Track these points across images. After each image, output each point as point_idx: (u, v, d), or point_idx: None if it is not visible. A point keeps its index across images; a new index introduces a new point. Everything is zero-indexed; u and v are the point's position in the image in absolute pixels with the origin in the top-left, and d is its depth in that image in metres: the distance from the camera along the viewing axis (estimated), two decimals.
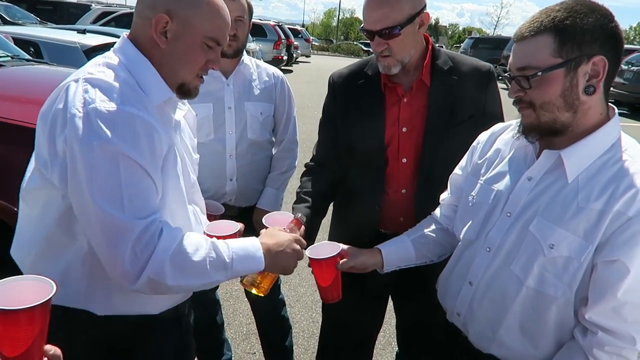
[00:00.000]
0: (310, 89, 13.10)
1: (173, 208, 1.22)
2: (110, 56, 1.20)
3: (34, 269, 1.16)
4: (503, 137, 1.36)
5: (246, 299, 2.56)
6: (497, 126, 1.43)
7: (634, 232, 1.05)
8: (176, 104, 1.30)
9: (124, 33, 1.26)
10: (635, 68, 12.61)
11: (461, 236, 1.36)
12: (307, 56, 27.57)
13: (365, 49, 44.89)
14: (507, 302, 1.21)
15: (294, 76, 16.35)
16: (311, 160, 1.90)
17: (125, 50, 1.20)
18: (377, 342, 2.06)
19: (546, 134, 1.17)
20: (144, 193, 1.08)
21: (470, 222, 1.33)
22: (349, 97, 1.76)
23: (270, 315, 2.44)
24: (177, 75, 1.22)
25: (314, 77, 16.51)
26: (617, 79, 12.88)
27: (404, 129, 1.68)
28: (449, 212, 1.52)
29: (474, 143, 1.46)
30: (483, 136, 1.44)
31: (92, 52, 4.93)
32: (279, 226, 1.43)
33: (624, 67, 12.92)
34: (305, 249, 1.38)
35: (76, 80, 1.11)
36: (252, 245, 1.22)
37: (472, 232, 1.32)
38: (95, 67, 1.15)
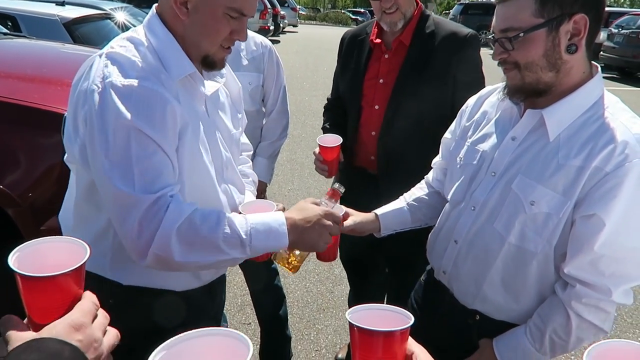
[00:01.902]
0: (299, 60, 12.93)
1: (198, 185, 1.19)
2: (138, 30, 1.20)
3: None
4: (490, 99, 1.39)
5: (240, 271, 2.57)
6: (485, 90, 1.45)
7: (610, 186, 1.07)
8: (202, 77, 1.25)
9: (155, 5, 1.23)
10: (625, 31, 12.55)
11: (449, 197, 1.39)
12: (294, 26, 27.09)
13: (353, 17, 44.24)
14: (490, 258, 1.24)
15: (281, 47, 16.09)
16: (327, 101, 2.26)
17: (151, 24, 1.20)
18: None
19: (530, 94, 1.18)
20: (157, 167, 1.07)
21: (458, 183, 1.36)
22: (349, 50, 2.08)
23: (264, 285, 2.46)
24: (199, 47, 1.19)
25: (301, 47, 16.27)
26: (607, 43, 12.84)
27: (381, 81, 1.95)
28: (440, 175, 1.55)
29: (463, 107, 1.48)
30: (471, 100, 1.46)
31: (72, 24, 4.80)
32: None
33: (613, 30, 12.86)
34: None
35: (100, 55, 1.13)
36: (275, 220, 1.14)
37: (459, 193, 1.35)
38: (119, 42, 1.15)
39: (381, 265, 2.34)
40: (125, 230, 1.06)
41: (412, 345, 0.76)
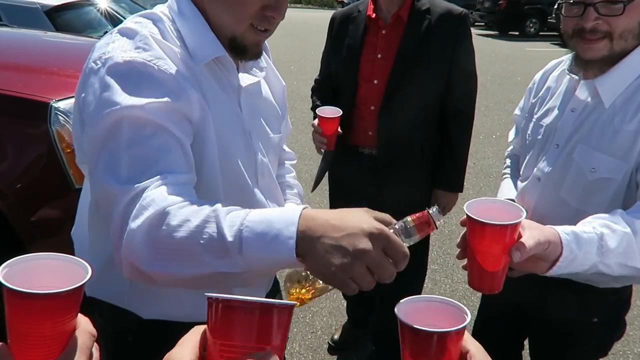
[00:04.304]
0: (285, 43, 12.81)
1: (234, 185, 1.01)
2: (159, 7, 1.03)
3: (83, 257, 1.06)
4: (554, 74, 1.43)
5: None
6: (550, 64, 1.47)
7: None
8: (234, 64, 1.05)
9: None
10: None
11: (520, 172, 1.45)
12: None
13: (339, 0, 43.85)
14: (555, 224, 1.30)
15: None
16: (315, 82, 2.26)
17: (177, 1, 1.01)
18: None
19: (608, 64, 1.19)
20: (153, 153, 0.86)
21: (527, 158, 1.41)
22: (341, 29, 2.10)
23: None
24: (224, 25, 0.98)
25: (287, 30, 16.11)
26: None
27: (379, 56, 1.98)
28: (518, 150, 1.60)
29: (530, 84, 1.51)
30: (537, 76, 1.50)
31: (53, 12, 4.72)
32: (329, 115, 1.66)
33: None
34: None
35: (110, 33, 0.96)
36: (285, 217, 0.75)
37: (528, 168, 1.40)
38: (134, 18, 0.98)
39: None
40: (111, 234, 0.84)
41: (468, 343, 0.66)
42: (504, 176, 1.62)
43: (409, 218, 0.80)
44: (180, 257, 0.77)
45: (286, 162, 1.39)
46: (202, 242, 0.76)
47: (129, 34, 0.93)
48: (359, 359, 2.53)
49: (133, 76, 0.88)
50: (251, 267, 0.75)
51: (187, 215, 0.78)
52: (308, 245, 0.72)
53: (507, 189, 1.54)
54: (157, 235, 0.78)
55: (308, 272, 0.77)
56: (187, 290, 1.00)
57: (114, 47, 0.91)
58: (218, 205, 0.80)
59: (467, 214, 0.88)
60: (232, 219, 0.76)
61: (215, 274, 0.77)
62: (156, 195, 0.81)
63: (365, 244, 0.70)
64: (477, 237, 0.89)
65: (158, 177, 0.84)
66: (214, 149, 0.98)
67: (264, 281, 1.21)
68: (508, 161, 1.64)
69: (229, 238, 0.75)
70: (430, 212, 0.80)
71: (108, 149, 0.87)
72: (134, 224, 0.79)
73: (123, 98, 0.86)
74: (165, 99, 0.88)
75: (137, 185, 0.82)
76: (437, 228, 0.79)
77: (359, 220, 0.73)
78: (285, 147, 1.39)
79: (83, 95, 0.92)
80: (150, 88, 0.88)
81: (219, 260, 0.75)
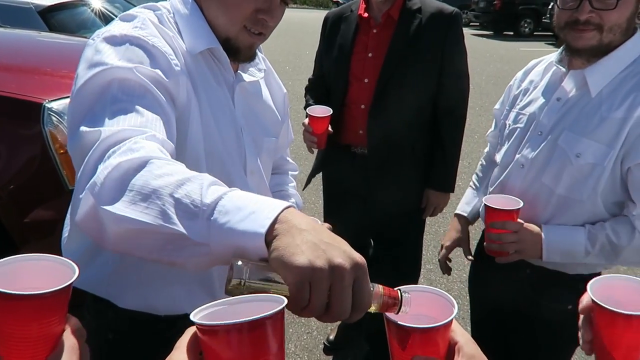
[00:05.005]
0: (280, 44, 12.80)
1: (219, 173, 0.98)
2: (163, 2, 1.07)
3: (67, 245, 1.06)
4: (537, 69, 1.48)
5: None
6: (531, 63, 1.54)
7: None
8: (227, 58, 1.05)
9: None
10: None
11: (498, 161, 1.47)
12: None
13: (334, 0, 43.87)
14: (538, 210, 1.33)
15: None
16: (309, 82, 2.28)
17: None
18: None
19: (595, 55, 1.25)
20: (139, 108, 0.84)
21: (507, 146, 1.45)
22: (333, 29, 2.11)
23: None
24: (219, 25, 1.01)
25: (282, 31, 16.09)
26: None
27: (370, 54, 1.99)
28: (494, 145, 1.63)
29: (511, 82, 1.56)
30: (519, 73, 1.56)
31: (47, 12, 4.69)
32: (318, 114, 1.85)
33: None
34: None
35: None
36: (274, 202, 0.67)
37: (508, 155, 1.43)
38: (136, 9, 1.02)
39: (368, 245, 2.37)
40: (80, 174, 0.78)
41: (457, 334, 0.64)
42: (471, 185, 1.66)
43: (380, 286, 0.68)
44: (146, 202, 0.69)
45: (289, 172, 1.42)
46: (176, 195, 0.68)
47: (128, 19, 0.97)
48: (355, 359, 2.53)
49: (126, 44, 0.91)
50: (210, 241, 0.66)
51: (173, 170, 0.73)
52: (285, 230, 0.62)
53: (465, 203, 1.61)
54: (133, 175, 0.72)
55: (249, 283, 0.62)
56: (166, 279, 1.01)
57: (112, 26, 0.95)
58: (207, 174, 0.73)
59: (595, 302, 0.70)
60: (217, 188, 0.69)
61: (169, 236, 0.68)
62: (148, 145, 0.77)
63: (345, 262, 0.61)
64: (615, 330, 0.72)
65: (146, 132, 0.80)
66: (198, 138, 0.99)
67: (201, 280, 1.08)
68: (479, 168, 1.68)
69: (206, 200, 0.67)
70: (403, 294, 0.67)
71: (94, 111, 0.84)
72: (114, 160, 0.73)
73: (114, 60, 0.88)
74: (156, 70, 0.90)
75: (123, 129, 0.78)
76: (397, 313, 0.66)
77: (348, 246, 0.64)
78: (289, 159, 1.42)
79: (77, 70, 0.92)
80: (142, 57, 0.90)
81: (184, 220, 0.67)
